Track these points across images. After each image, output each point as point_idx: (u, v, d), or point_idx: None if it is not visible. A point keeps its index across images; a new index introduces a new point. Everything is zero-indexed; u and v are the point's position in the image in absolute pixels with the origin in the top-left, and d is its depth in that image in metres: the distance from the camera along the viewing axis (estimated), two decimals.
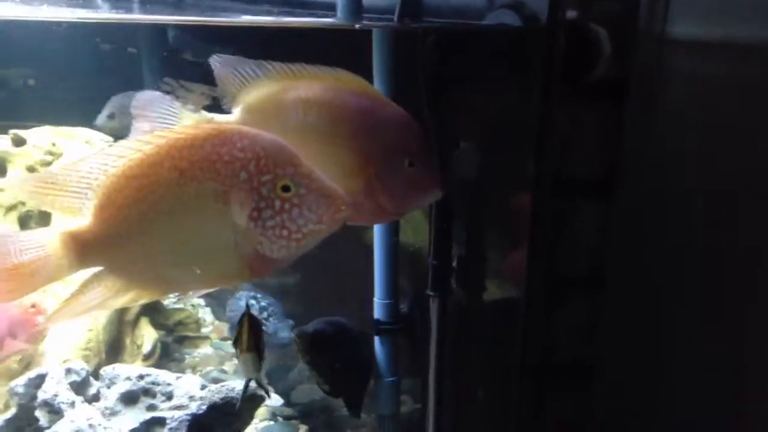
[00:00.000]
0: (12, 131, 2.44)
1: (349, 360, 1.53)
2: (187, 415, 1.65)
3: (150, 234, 1.00)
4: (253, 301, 2.25)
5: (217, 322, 2.90)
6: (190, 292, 1.20)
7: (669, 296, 1.47)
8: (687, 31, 1.45)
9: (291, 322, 2.17)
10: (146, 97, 1.08)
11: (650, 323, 1.51)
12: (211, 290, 1.14)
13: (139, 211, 0.99)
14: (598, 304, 1.50)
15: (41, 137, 2.35)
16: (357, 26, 1.32)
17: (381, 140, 1.16)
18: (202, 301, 3.05)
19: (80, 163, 1.00)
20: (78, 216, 1.00)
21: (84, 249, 1.00)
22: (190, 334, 2.70)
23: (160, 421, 1.68)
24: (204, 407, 1.66)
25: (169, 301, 3.00)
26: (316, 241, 1.03)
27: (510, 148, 1.41)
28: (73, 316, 1.04)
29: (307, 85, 1.16)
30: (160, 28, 2.13)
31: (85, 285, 1.03)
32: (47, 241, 1.00)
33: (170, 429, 1.65)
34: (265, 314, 2.15)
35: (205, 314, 2.95)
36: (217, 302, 3.04)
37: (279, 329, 2.11)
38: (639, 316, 1.53)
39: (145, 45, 2.34)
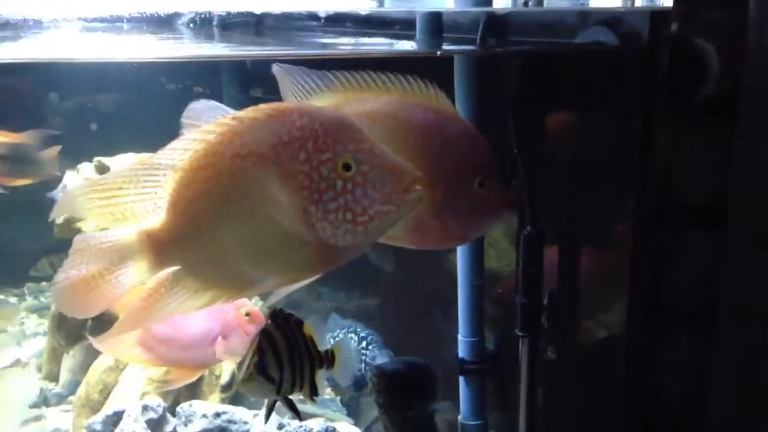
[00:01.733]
0: (96, 159, 2.47)
1: (424, 410, 1.42)
2: None
3: (220, 227, 0.94)
4: (352, 334, 2.26)
5: None
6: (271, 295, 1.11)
7: None
8: None
9: (389, 351, 2.16)
10: (199, 106, 0.99)
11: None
12: (291, 290, 1.03)
13: (208, 204, 0.93)
14: (708, 343, 1.37)
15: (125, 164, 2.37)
16: (438, 53, 1.23)
17: (449, 158, 1.06)
18: None
19: (148, 161, 0.94)
20: (152, 216, 0.95)
21: (161, 248, 0.95)
22: None
23: None
24: None
25: None
26: (387, 226, 0.93)
27: (609, 174, 1.30)
28: (152, 320, 0.99)
29: (373, 98, 1.08)
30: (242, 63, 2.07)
31: (162, 286, 0.98)
32: (126, 243, 0.96)
33: None
34: (364, 343, 2.17)
35: None
36: None
37: (377, 356, 2.11)
38: (754, 354, 1.38)
39: (228, 82, 2.32)
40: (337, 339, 2.14)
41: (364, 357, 2.14)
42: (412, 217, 1.05)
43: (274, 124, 0.91)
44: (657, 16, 1.12)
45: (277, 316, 1.11)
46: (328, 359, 1.16)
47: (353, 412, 2.40)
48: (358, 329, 2.20)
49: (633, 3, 1.11)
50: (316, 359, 1.14)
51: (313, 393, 1.14)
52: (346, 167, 0.90)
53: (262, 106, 0.94)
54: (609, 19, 1.16)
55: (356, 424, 2.32)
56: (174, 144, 0.93)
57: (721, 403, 1.39)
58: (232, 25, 1.51)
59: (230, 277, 0.97)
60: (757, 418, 1.38)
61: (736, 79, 1.31)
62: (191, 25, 1.38)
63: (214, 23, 1.46)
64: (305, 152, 0.90)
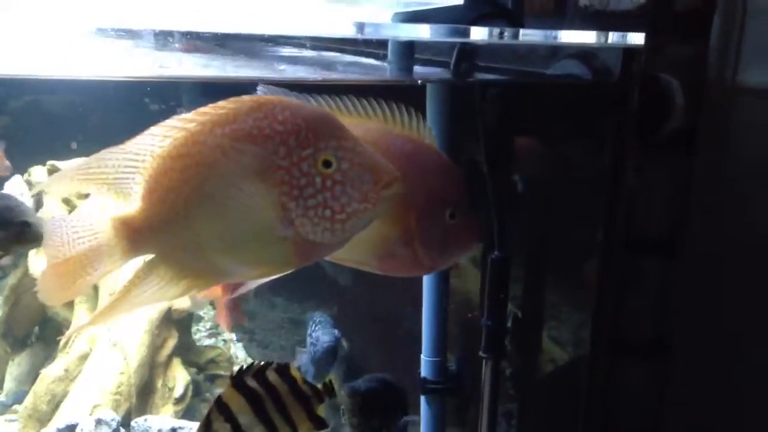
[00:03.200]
0: (49, 162, 2.43)
1: (396, 427, 1.43)
2: None
3: (196, 217, 0.92)
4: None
5: (249, 360, 2.84)
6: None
7: (745, 360, 1.37)
8: (760, 79, 1.37)
9: (335, 331, 2.22)
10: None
11: (721, 389, 1.41)
12: (263, 281, 1.04)
13: (185, 193, 0.92)
14: (661, 372, 1.41)
15: None
16: (420, 82, 1.24)
17: (423, 189, 1.08)
18: (234, 336, 3.00)
19: (128, 146, 0.93)
20: (128, 201, 0.94)
21: (135, 235, 0.94)
22: (222, 372, 2.63)
23: None
24: None
25: (200, 335, 2.96)
26: (365, 224, 0.93)
27: (576, 204, 1.33)
28: (127, 310, 0.98)
29: (354, 124, 1.09)
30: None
31: (137, 276, 0.96)
32: (99, 228, 0.94)
33: None
34: (313, 326, 2.23)
35: (237, 350, 2.90)
36: (248, 337, 2.99)
37: (321, 335, 2.18)
38: (709, 380, 1.42)
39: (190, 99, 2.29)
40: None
41: (310, 339, 2.21)
42: (382, 244, 1.07)
43: (257, 116, 0.91)
44: (629, 52, 1.15)
45: (240, 380, 1.09)
46: (328, 390, 1.14)
47: None
48: (318, 317, 2.29)
49: (606, 39, 1.14)
50: (311, 396, 1.12)
51: (320, 426, 1.12)
52: (327, 164, 0.90)
53: (244, 97, 0.93)
54: (583, 53, 1.19)
55: None
56: (154, 130, 0.92)
57: (677, 425, 1.43)
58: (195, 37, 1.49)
59: (205, 267, 0.95)
60: None
61: (697, 113, 1.36)
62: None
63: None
64: (286, 147, 0.89)
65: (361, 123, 1.09)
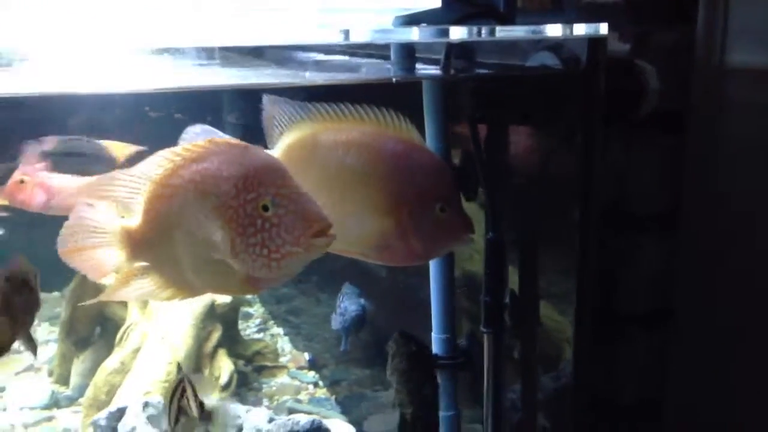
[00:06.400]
0: None
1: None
2: None
3: (175, 241, 1.09)
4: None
5: (295, 352, 2.97)
6: None
7: (738, 334, 1.43)
8: (747, 60, 1.43)
9: (362, 300, 2.31)
10: (195, 130, 1.16)
11: (721, 362, 1.47)
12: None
13: (167, 219, 1.08)
14: (663, 343, 1.48)
15: None
16: (394, 80, 1.35)
17: (415, 185, 1.20)
18: (281, 331, 3.14)
19: (135, 170, 1.10)
20: (133, 215, 1.11)
21: (135, 245, 1.12)
22: (268, 363, 2.79)
23: None
24: None
25: (250, 331, 3.11)
26: (298, 265, 1.06)
27: (560, 185, 1.42)
28: (125, 296, 1.16)
29: (348, 128, 1.22)
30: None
31: (133, 272, 1.14)
32: (112, 230, 1.12)
33: None
34: (341, 297, 2.32)
35: (284, 344, 3.04)
36: (295, 332, 3.13)
37: (348, 305, 2.28)
38: (709, 354, 1.48)
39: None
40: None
41: (339, 309, 2.30)
42: (379, 237, 1.21)
43: (221, 158, 1.06)
44: (593, 41, 1.24)
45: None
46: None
47: (346, 410, 2.52)
48: (345, 288, 2.37)
49: (572, 31, 1.23)
50: None
51: None
52: (265, 208, 1.03)
53: (217, 139, 1.09)
54: (553, 45, 1.28)
55: (349, 422, 2.44)
56: (152, 158, 1.09)
57: (678, 399, 1.49)
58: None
59: (183, 282, 1.12)
60: (715, 413, 1.47)
61: (684, 93, 1.43)
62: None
63: None
64: (236, 189, 1.03)
65: (356, 126, 1.22)
